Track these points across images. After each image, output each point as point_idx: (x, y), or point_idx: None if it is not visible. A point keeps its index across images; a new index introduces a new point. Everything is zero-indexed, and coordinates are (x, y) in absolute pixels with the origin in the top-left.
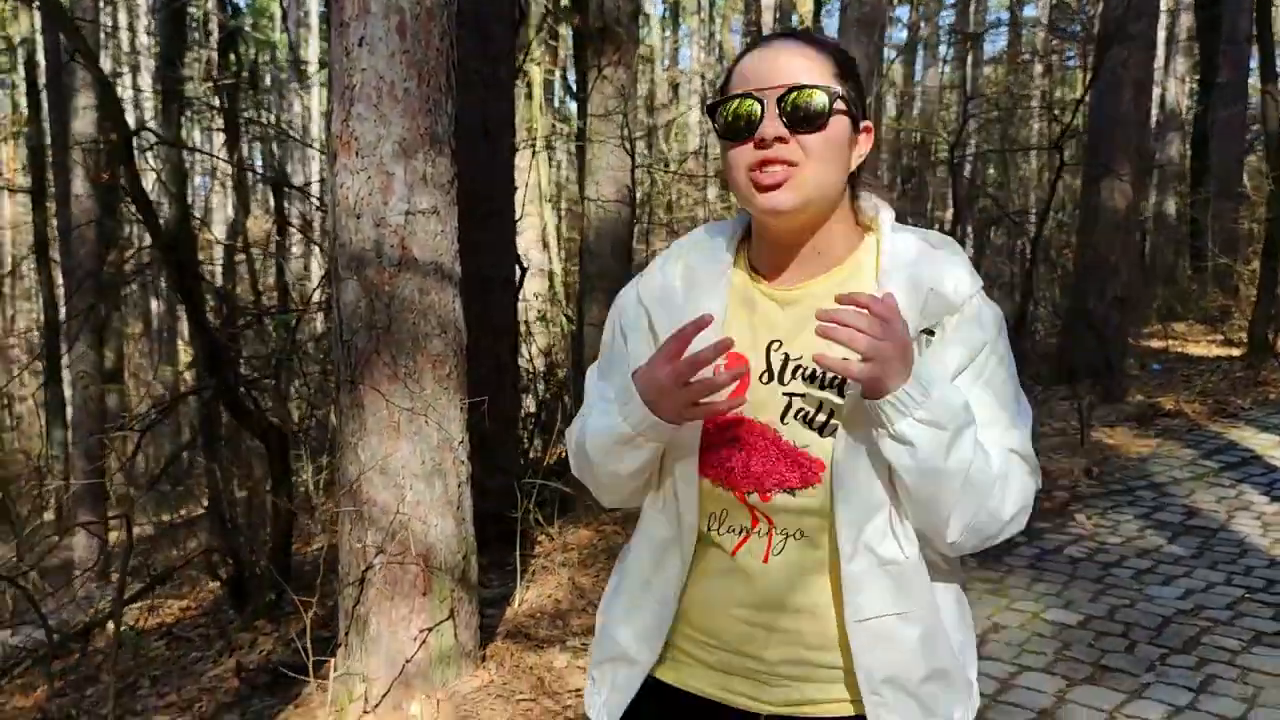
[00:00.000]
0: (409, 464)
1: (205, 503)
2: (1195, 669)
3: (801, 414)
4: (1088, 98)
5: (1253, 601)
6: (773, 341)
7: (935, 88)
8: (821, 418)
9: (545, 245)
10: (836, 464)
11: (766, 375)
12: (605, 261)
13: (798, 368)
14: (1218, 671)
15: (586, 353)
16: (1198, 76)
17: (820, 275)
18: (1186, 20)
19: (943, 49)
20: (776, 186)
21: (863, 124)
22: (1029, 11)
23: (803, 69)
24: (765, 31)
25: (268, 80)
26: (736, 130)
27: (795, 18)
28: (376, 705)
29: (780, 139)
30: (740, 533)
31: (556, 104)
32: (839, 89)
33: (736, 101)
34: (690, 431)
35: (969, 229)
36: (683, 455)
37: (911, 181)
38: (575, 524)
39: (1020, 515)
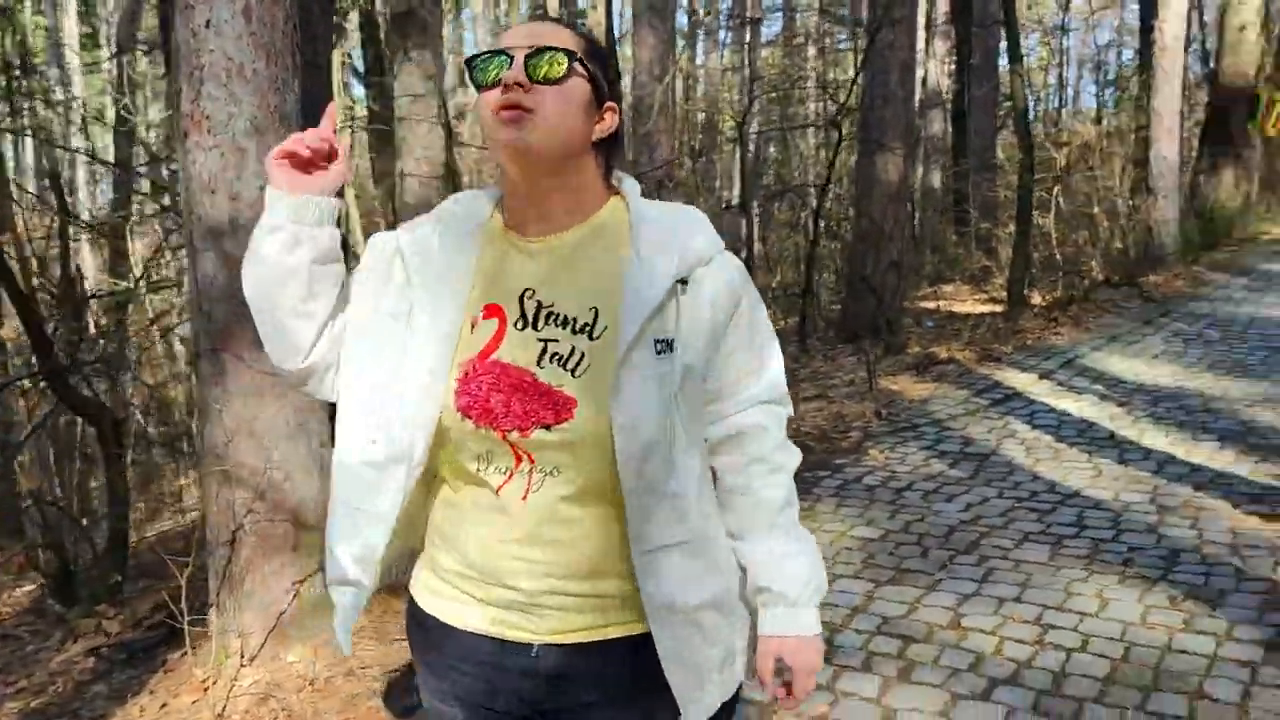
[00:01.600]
0: (275, 425)
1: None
2: (978, 565)
3: (556, 357)
4: (860, 78)
5: (1020, 509)
6: (526, 289)
7: (718, 70)
8: (574, 361)
9: (349, 229)
10: (611, 402)
11: (521, 322)
12: None
13: (550, 314)
14: (995, 565)
15: None
16: (954, 58)
17: (570, 228)
18: (943, 5)
19: (723, 34)
20: (514, 124)
21: (607, 102)
22: None
23: (553, 36)
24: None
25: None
26: (486, 79)
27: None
28: (253, 658)
29: (520, 85)
30: (505, 472)
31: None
32: (581, 58)
33: (491, 56)
34: (438, 375)
35: (755, 203)
36: (423, 396)
37: (700, 160)
38: None
39: (791, 459)
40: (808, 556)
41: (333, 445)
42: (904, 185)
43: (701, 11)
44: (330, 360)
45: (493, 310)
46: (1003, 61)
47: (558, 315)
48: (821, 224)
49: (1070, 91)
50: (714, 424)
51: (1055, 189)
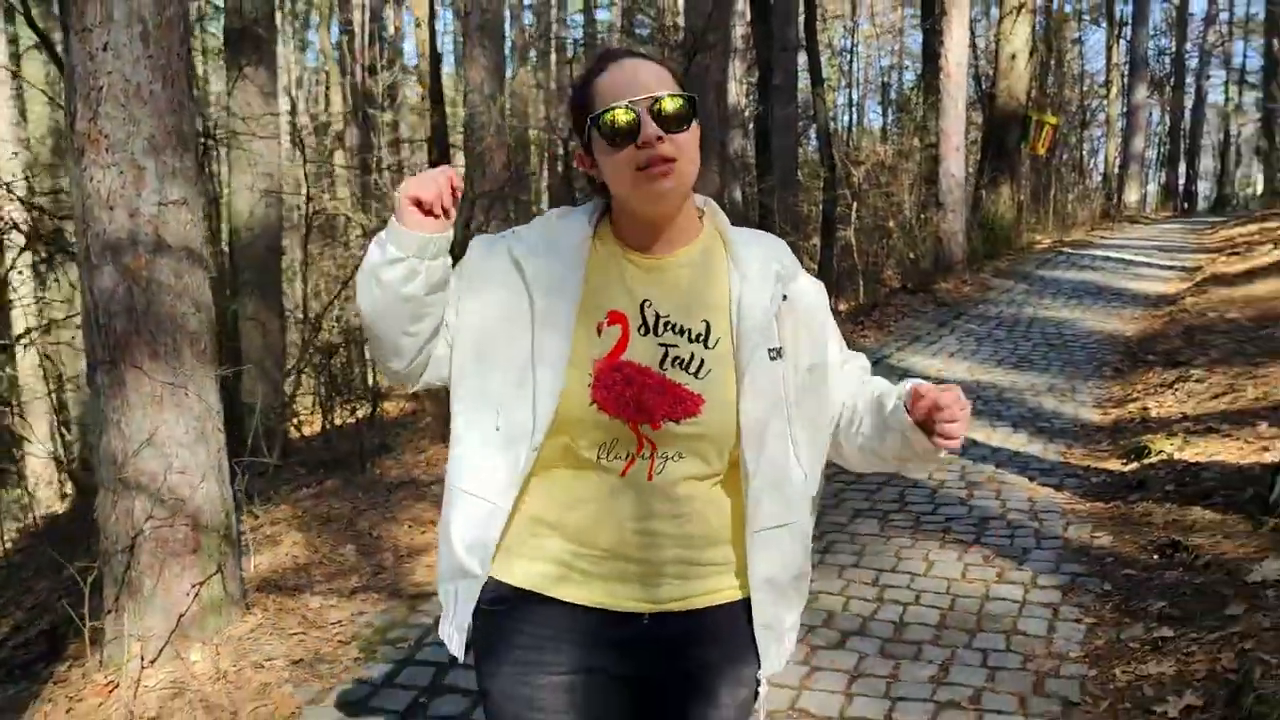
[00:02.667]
0: (174, 433)
1: None
2: (819, 540)
3: (676, 360)
4: None
5: (849, 490)
6: (645, 300)
7: (526, 86)
8: (695, 365)
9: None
10: (736, 402)
11: (643, 329)
12: (259, 254)
13: (666, 323)
14: (834, 538)
15: (244, 343)
16: (753, 79)
17: (680, 248)
18: (741, 29)
19: (533, 52)
20: (664, 177)
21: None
22: (602, 15)
23: (658, 80)
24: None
25: None
26: (619, 136)
27: (409, 16)
28: (154, 659)
29: (659, 139)
30: (627, 457)
31: None
32: (692, 95)
33: (616, 112)
34: (559, 360)
35: None
36: (545, 395)
37: (525, 178)
38: (275, 501)
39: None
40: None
41: (227, 453)
42: (718, 202)
43: (528, 33)
44: (425, 364)
45: (616, 317)
46: (803, 83)
47: (675, 325)
48: None
49: (856, 112)
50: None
51: (854, 204)
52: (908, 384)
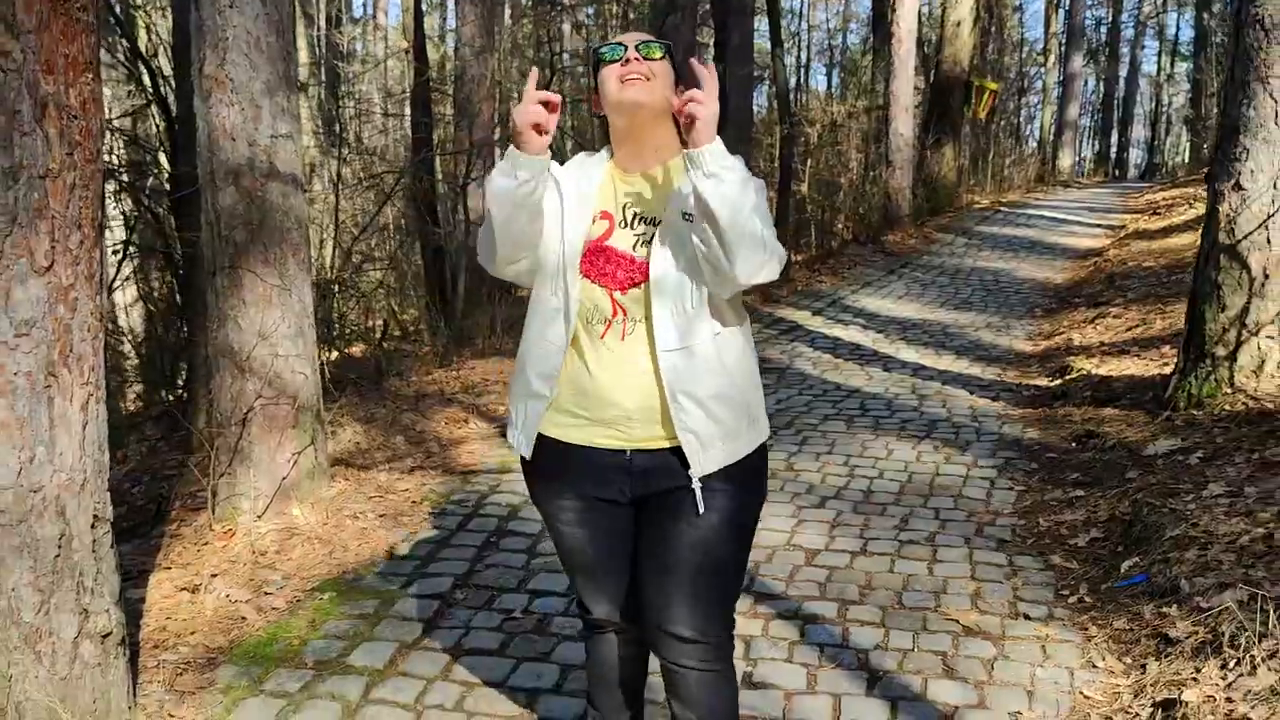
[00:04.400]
0: (280, 327)
1: None
2: (796, 435)
3: (643, 240)
4: None
5: (818, 401)
6: (625, 203)
7: (510, 47)
8: (646, 241)
9: None
10: (653, 266)
11: (623, 224)
12: None
13: (639, 217)
14: (809, 435)
15: None
16: (714, 39)
17: (654, 166)
18: None
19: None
20: (633, 85)
21: (679, 85)
22: None
23: (643, 36)
24: None
25: None
26: (610, 58)
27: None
28: (261, 515)
29: (637, 60)
30: (603, 322)
31: None
32: (668, 50)
33: (611, 45)
34: (572, 251)
35: None
36: (571, 265)
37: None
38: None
39: (772, 261)
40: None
41: (319, 348)
42: None
43: None
44: (535, 256)
45: (605, 214)
46: (760, 43)
47: (645, 217)
48: None
49: (803, 73)
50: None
51: (808, 161)
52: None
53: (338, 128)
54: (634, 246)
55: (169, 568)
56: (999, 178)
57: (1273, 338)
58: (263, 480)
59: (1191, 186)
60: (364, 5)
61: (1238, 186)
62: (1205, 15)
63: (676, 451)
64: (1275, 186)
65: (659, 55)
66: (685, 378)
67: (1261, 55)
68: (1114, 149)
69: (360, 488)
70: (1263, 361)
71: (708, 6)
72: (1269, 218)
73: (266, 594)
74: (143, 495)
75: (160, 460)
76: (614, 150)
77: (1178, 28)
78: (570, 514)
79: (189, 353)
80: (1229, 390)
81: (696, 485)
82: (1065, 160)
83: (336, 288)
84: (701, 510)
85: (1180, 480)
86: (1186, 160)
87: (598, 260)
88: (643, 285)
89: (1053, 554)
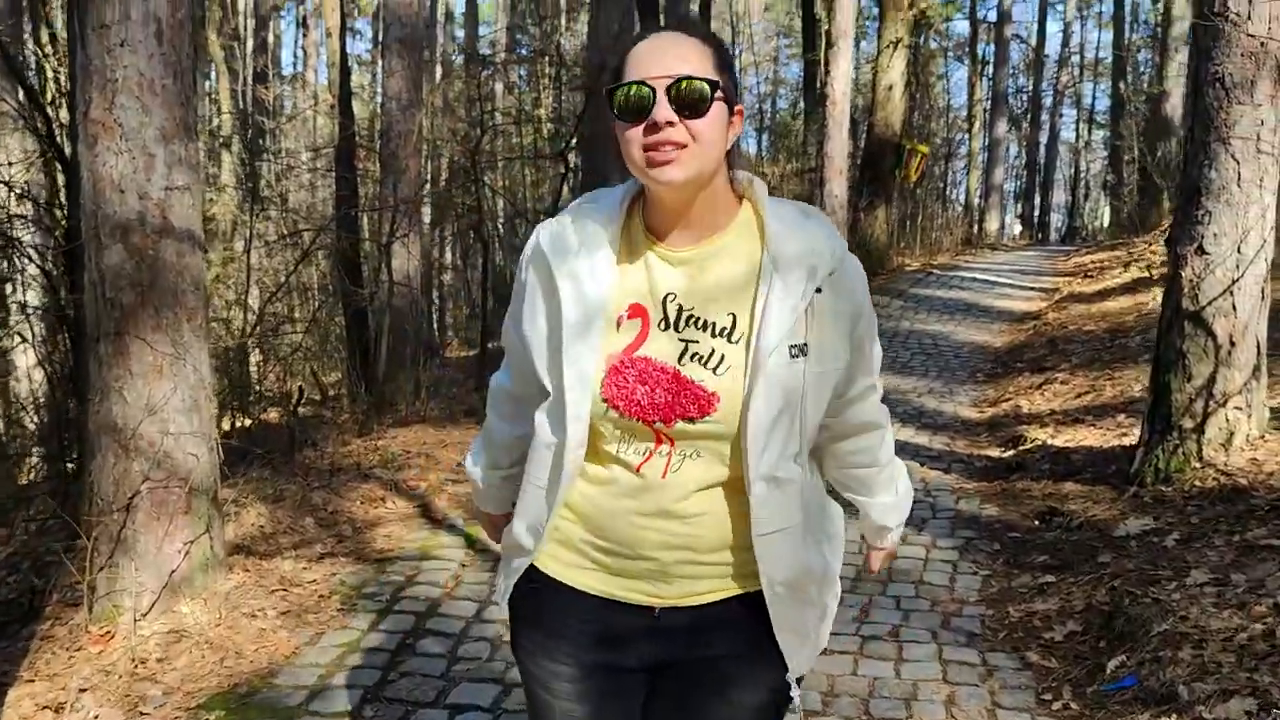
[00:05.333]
0: (171, 400)
1: None
2: None
3: (697, 356)
4: (585, 117)
5: None
6: (668, 294)
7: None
8: (714, 360)
9: None
10: (744, 402)
11: (664, 323)
12: None
13: (690, 318)
14: None
15: None
16: None
17: (707, 238)
18: None
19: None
20: (668, 163)
21: (736, 107)
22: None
23: (688, 60)
24: None
25: None
26: (631, 113)
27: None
28: (145, 614)
29: (670, 123)
30: (644, 453)
31: None
32: (718, 79)
33: (631, 88)
34: (589, 370)
35: (499, 226)
36: (578, 394)
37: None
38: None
39: (888, 419)
40: (905, 502)
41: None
42: None
43: (453, 47)
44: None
45: (637, 310)
46: None
47: (698, 319)
48: None
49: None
50: (833, 412)
51: None
52: (876, 536)
53: (257, 183)
54: (682, 359)
55: (33, 680)
56: (928, 241)
57: (1240, 408)
58: (148, 574)
59: (1118, 250)
60: (294, 63)
61: (1201, 250)
62: (1122, 85)
63: (719, 606)
64: (1239, 250)
65: (704, 104)
66: (787, 564)
67: (1222, 115)
68: (1037, 212)
69: (261, 580)
70: (1231, 434)
71: None
72: (1233, 283)
73: (142, 714)
74: (17, 586)
75: (46, 542)
76: (644, 209)
77: (1094, 97)
78: (566, 684)
79: (80, 424)
80: (1198, 464)
81: (795, 692)
82: (992, 223)
83: (254, 349)
84: (742, 687)
85: (1159, 565)
86: (1106, 224)
87: (626, 381)
88: (707, 419)
89: (1028, 650)
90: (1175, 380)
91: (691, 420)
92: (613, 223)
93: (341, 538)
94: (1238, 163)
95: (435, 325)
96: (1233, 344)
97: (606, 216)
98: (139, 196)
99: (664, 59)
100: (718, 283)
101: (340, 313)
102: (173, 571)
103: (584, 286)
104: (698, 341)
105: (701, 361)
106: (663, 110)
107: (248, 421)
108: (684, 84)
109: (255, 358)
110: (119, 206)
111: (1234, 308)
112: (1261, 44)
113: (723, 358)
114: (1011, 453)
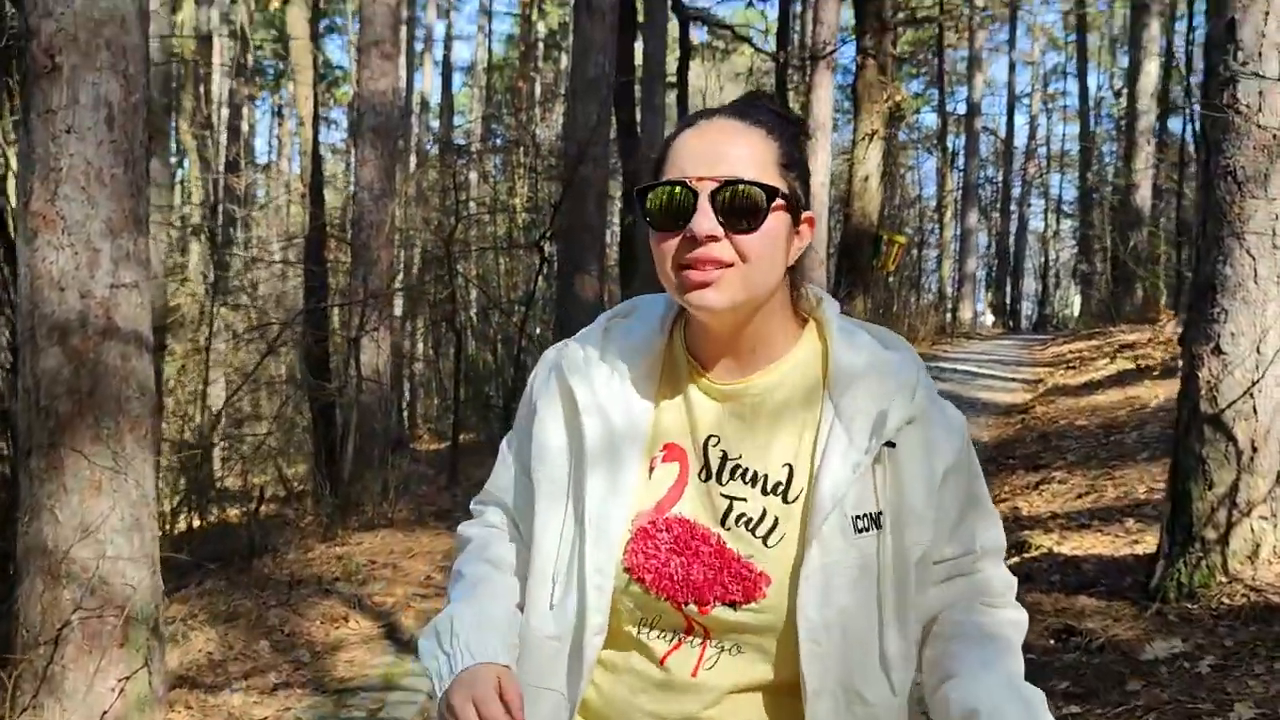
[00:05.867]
0: (110, 520)
1: None
2: None
3: (744, 519)
4: (562, 207)
5: None
6: (710, 437)
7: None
8: (765, 526)
9: None
10: (795, 584)
11: (704, 473)
12: None
13: (736, 468)
14: None
15: None
16: (622, 189)
17: (759, 370)
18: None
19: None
20: (707, 285)
21: (804, 215)
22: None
23: (743, 158)
24: None
25: None
26: (666, 221)
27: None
28: None
29: (712, 237)
30: (672, 640)
31: None
32: (780, 184)
33: (667, 189)
34: (615, 528)
35: (472, 316)
36: (599, 561)
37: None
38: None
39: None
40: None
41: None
42: (598, 301)
43: (428, 136)
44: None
45: (674, 453)
46: None
47: (745, 470)
48: (526, 338)
49: None
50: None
51: None
52: None
53: (225, 273)
54: (725, 521)
55: None
56: (903, 331)
57: (1265, 518)
58: (76, 716)
59: (1095, 339)
60: (269, 151)
61: (1218, 350)
62: (1089, 174)
63: None
64: (1259, 350)
65: (760, 215)
66: None
67: (1235, 210)
68: (1008, 300)
69: (205, 718)
70: (1258, 546)
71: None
72: (1253, 384)
73: None
74: None
75: None
76: (686, 330)
77: (1060, 187)
78: None
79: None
80: (1224, 579)
81: None
82: (966, 312)
83: (219, 443)
84: None
85: (1197, 697)
86: (1077, 313)
87: (657, 549)
88: (752, 607)
89: None
90: (1196, 488)
91: (733, 605)
92: (652, 344)
93: (299, 664)
94: (1254, 259)
95: (405, 416)
96: (1254, 449)
97: (644, 336)
98: (81, 295)
99: (712, 154)
100: (771, 425)
101: (307, 406)
102: (105, 712)
103: (613, 420)
104: (745, 499)
105: (749, 526)
106: (704, 221)
107: (207, 521)
108: (734, 189)
109: (219, 452)
110: (58, 306)
111: (1255, 410)
112: (1274, 136)
113: (775, 523)
114: (1016, 560)
